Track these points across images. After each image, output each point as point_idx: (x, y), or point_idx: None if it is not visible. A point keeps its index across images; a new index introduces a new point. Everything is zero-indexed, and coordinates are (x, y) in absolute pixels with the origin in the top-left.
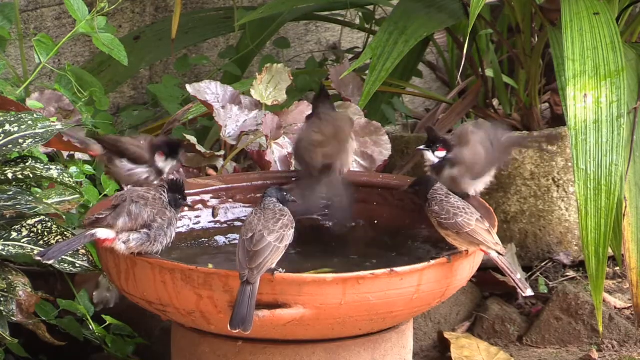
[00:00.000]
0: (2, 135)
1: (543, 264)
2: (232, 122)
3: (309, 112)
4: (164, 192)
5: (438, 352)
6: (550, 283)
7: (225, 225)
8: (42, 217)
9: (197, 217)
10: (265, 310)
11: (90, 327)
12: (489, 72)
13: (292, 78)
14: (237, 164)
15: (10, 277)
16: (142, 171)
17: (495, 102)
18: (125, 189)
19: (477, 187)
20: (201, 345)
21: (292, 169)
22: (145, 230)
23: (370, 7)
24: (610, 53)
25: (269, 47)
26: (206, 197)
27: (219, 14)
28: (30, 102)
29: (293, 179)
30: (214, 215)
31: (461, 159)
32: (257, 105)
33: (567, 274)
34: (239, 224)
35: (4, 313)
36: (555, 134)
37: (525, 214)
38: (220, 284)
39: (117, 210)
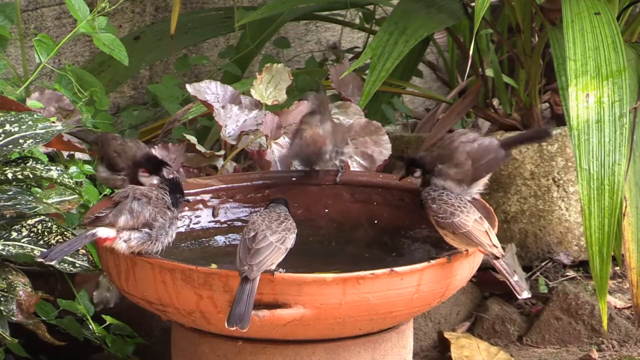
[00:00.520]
0: (3, 136)
1: (543, 264)
2: (232, 122)
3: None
4: (166, 192)
5: (438, 352)
6: (550, 283)
7: (225, 225)
8: (42, 217)
9: (197, 217)
10: (265, 310)
11: (90, 327)
12: (489, 72)
13: (292, 78)
14: (237, 164)
15: (10, 277)
16: (116, 179)
17: (495, 102)
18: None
19: (472, 195)
20: (201, 345)
21: (292, 169)
22: (146, 230)
23: (370, 7)
24: (611, 53)
25: (269, 47)
26: (206, 197)
27: (219, 14)
28: (31, 102)
29: (293, 179)
30: (214, 215)
31: (448, 174)
32: (257, 105)
33: (567, 274)
34: (239, 223)
35: (4, 313)
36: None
37: (525, 214)
38: (220, 284)
39: (118, 207)
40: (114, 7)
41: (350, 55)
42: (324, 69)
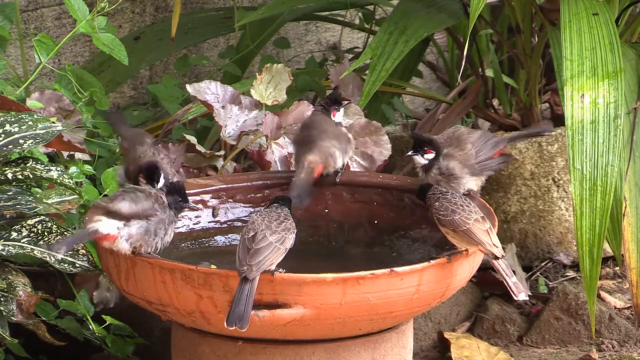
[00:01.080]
0: (3, 136)
1: (543, 264)
2: (232, 122)
3: (309, 112)
4: (162, 195)
5: (438, 352)
6: (550, 283)
7: (225, 225)
8: (42, 217)
9: (197, 217)
10: (265, 310)
11: (90, 327)
12: (489, 72)
13: (292, 78)
14: (237, 164)
15: (10, 277)
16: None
17: (495, 102)
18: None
19: (469, 185)
20: (201, 345)
21: (292, 169)
22: (144, 222)
23: (370, 7)
24: (608, 54)
25: (269, 47)
26: (206, 197)
27: (219, 14)
28: (31, 102)
29: (293, 179)
30: (214, 215)
31: (454, 155)
32: (257, 105)
33: (567, 274)
34: (239, 224)
35: (4, 313)
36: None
37: (525, 214)
38: (220, 284)
39: (117, 197)
40: (113, 7)
41: (350, 56)
42: (324, 69)
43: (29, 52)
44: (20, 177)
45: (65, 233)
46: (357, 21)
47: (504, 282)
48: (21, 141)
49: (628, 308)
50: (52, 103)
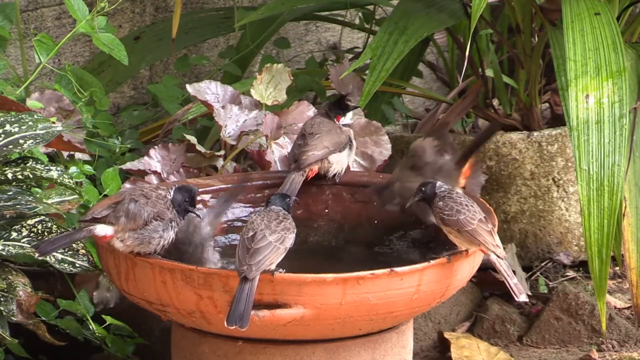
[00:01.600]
0: (3, 136)
1: (543, 264)
2: (232, 122)
3: (309, 112)
4: (169, 192)
5: (438, 352)
6: (550, 283)
7: (225, 225)
8: (42, 217)
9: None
10: (265, 310)
11: (90, 327)
12: (489, 72)
13: (292, 78)
14: (237, 164)
15: (10, 277)
16: None
17: (495, 102)
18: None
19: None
20: (201, 345)
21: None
22: (140, 232)
23: (370, 7)
24: (611, 53)
25: (269, 47)
26: (206, 197)
27: (219, 14)
28: (30, 102)
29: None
30: None
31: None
32: (257, 105)
33: (567, 274)
34: (239, 224)
35: (4, 313)
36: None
37: (525, 214)
38: (220, 284)
39: (117, 208)
40: (113, 7)
41: (350, 56)
42: (324, 69)
43: (29, 52)
44: (20, 177)
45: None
46: (357, 21)
47: (506, 283)
48: (21, 141)
49: (628, 308)
50: (52, 103)
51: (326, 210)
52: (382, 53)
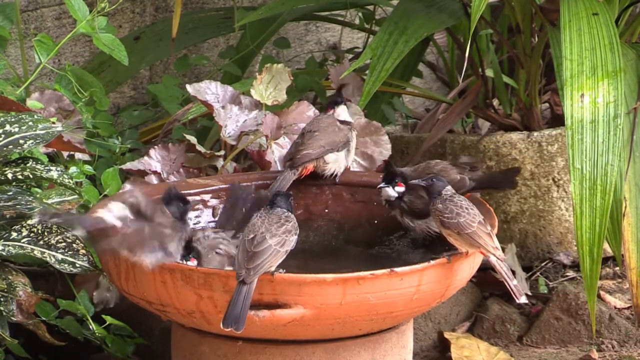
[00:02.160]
0: (3, 136)
1: (543, 264)
2: (232, 122)
3: (309, 112)
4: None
5: (438, 352)
6: (550, 283)
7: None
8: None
9: (197, 217)
10: (265, 310)
11: (90, 327)
12: (489, 72)
13: (292, 78)
14: (237, 164)
15: (10, 277)
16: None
17: (495, 102)
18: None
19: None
20: (201, 345)
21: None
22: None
23: (370, 7)
24: (608, 54)
25: (269, 47)
26: (206, 197)
27: (219, 14)
28: (31, 102)
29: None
30: (213, 215)
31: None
32: (257, 105)
33: (567, 274)
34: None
35: (4, 313)
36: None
37: (525, 214)
38: (220, 284)
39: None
40: (113, 7)
41: (350, 56)
42: (324, 69)
43: (29, 52)
44: (20, 177)
45: (65, 233)
46: (357, 21)
47: (505, 284)
48: (21, 141)
49: (628, 308)
50: (52, 103)
51: (326, 210)
52: (382, 53)
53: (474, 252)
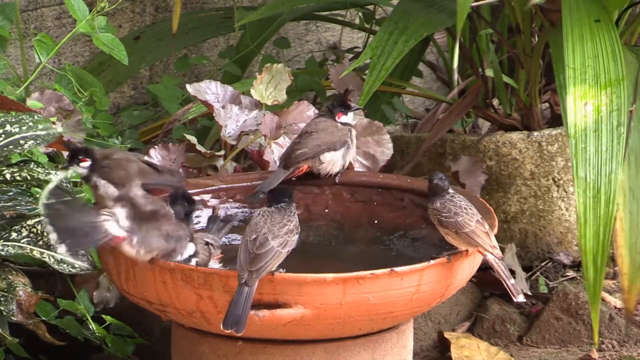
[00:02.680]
0: (3, 136)
1: (543, 264)
2: (232, 122)
3: (309, 111)
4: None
5: (438, 352)
6: (550, 283)
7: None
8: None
9: (197, 217)
10: (265, 310)
11: (90, 327)
12: (489, 72)
13: (292, 78)
14: (237, 164)
15: (10, 277)
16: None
17: (495, 102)
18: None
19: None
20: (201, 345)
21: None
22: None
23: (370, 7)
24: (610, 62)
25: (269, 47)
26: (206, 197)
27: (219, 14)
28: (31, 102)
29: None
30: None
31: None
32: (257, 105)
33: (567, 274)
34: (239, 223)
35: (4, 313)
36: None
37: (525, 214)
38: (220, 284)
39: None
40: (113, 7)
41: (350, 55)
42: (324, 69)
43: (29, 52)
44: (18, 178)
45: None
46: (357, 21)
47: (503, 283)
48: (22, 142)
49: None
50: (52, 103)
51: (326, 210)
52: (382, 53)
53: (474, 252)
